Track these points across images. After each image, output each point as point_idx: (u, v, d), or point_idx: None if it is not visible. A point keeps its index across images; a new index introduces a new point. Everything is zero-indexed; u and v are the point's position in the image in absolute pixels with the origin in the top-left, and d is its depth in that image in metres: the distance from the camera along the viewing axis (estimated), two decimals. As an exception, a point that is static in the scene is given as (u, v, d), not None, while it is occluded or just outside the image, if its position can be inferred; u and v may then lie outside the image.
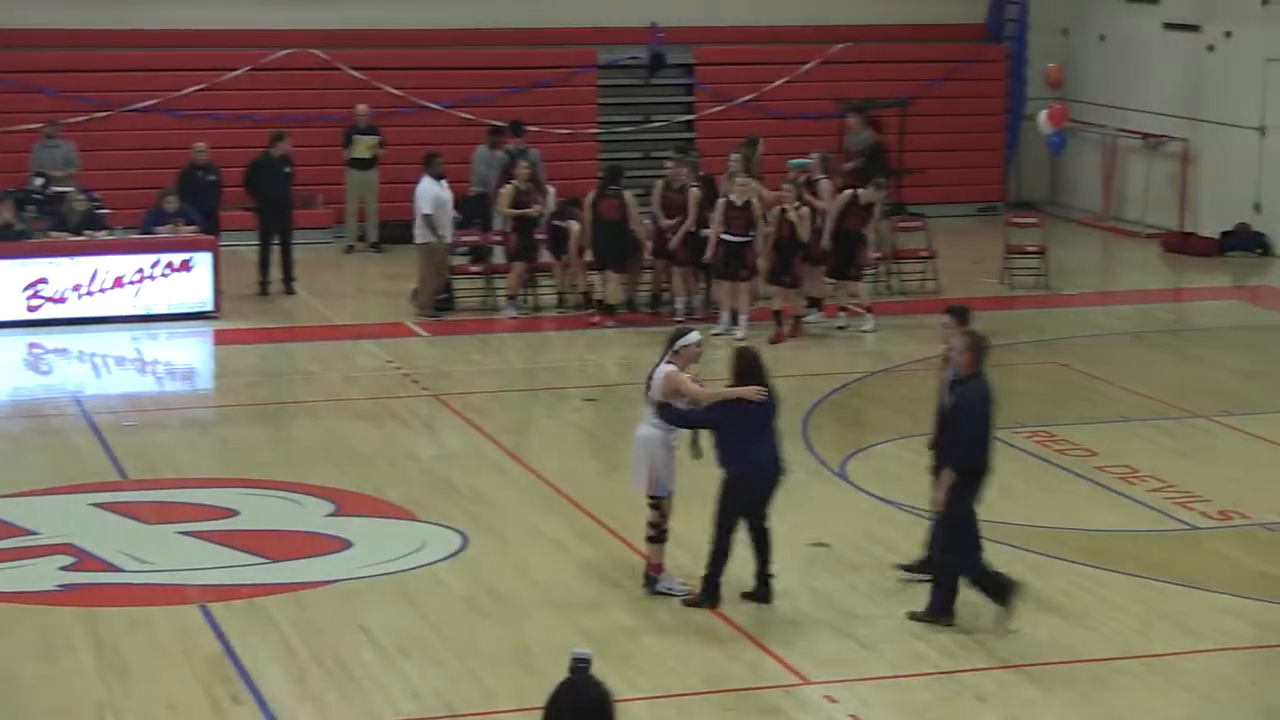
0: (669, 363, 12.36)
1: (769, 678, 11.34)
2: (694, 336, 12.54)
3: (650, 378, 12.42)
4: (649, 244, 20.90)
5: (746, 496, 12.23)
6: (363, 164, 24.78)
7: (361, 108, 24.93)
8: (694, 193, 20.58)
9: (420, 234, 20.96)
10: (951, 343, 12.40)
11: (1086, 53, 28.79)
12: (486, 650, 11.70)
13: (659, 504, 12.51)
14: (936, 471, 12.17)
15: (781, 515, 13.74)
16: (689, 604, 12.37)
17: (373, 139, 24.69)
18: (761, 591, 12.45)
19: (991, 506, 14.60)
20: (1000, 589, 11.96)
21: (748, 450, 12.10)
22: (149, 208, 21.78)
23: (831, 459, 15.82)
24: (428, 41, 26.63)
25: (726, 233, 20.02)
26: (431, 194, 20.83)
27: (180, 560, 13.35)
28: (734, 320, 20.21)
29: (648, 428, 12.39)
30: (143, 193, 23.18)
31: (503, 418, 17.57)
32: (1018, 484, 15.26)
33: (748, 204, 20.08)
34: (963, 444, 11.90)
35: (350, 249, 25.07)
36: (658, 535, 12.58)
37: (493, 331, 20.80)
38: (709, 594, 12.36)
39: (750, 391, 12.12)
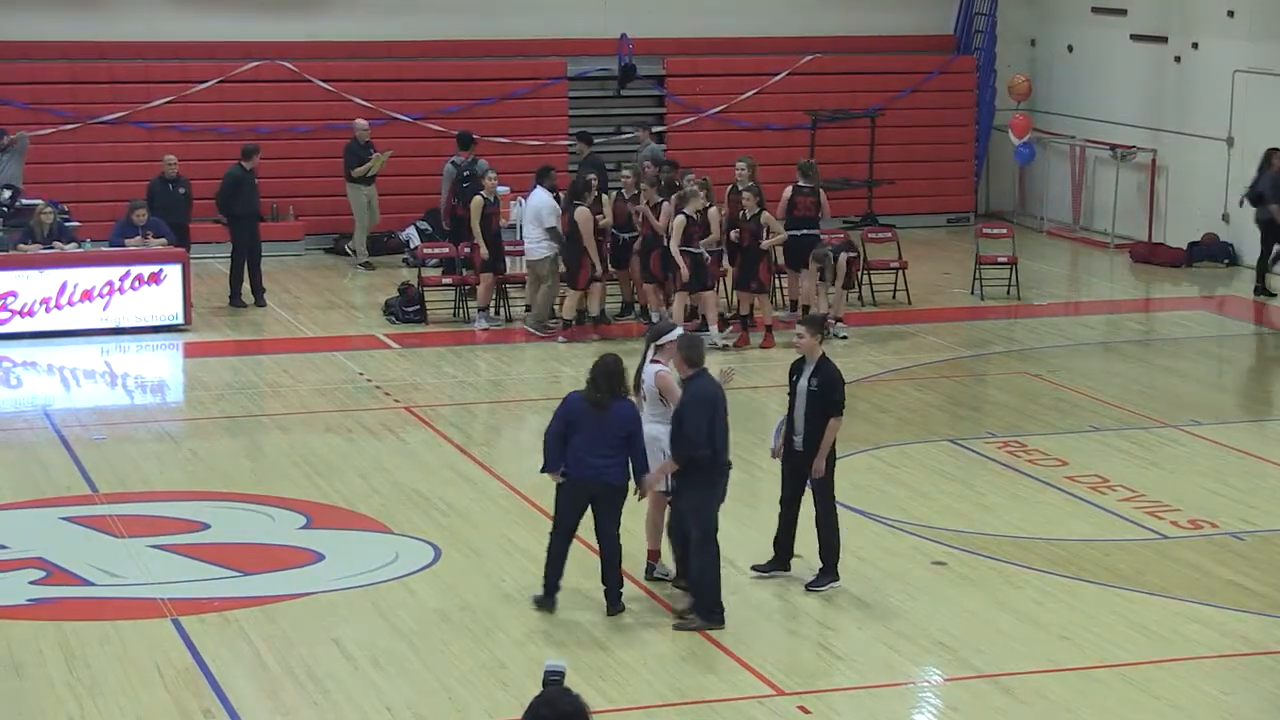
0: (655, 361, 12.51)
1: (742, 689, 11.34)
2: (676, 333, 12.63)
3: (639, 376, 12.56)
4: (596, 261, 20.84)
5: (571, 498, 12.23)
6: (368, 179, 24.63)
7: (360, 123, 24.81)
8: (665, 206, 20.59)
9: (541, 248, 20.57)
10: (801, 348, 12.92)
11: (1054, 64, 28.90)
12: (460, 663, 11.68)
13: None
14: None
15: (754, 526, 13.79)
16: (540, 604, 12.45)
17: (386, 154, 24.55)
18: (609, 604, 12.43)
19: (964, 516, 14.70)
20: (707, 603, 12.14)
21: (581, 457, 12.10)
22: (118, 220, 21.72)
23: (803, 470, 15.81)
24: (397, 53, 26.60)
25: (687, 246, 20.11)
26: (550, 206, 20.51)
27: (151, 574, 13.30)
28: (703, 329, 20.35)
29: (653, 425, 12.42)
30: (111, 205, 23.15)
31: (474, 429, 17.56)
32: (989, 494, 15.31)
33: (704, 215, 20.16)
34: (685, 437, 12.05)
35: (370, 265, 24.78)
36: None
37: (464, 343, 20.78)
38: (547, 595, 12.45)
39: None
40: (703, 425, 12.00)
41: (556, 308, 20.98)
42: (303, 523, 14.53)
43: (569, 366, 19.65)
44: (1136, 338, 22.03)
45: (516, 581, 13.12)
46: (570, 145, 26.61)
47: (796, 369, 12.93)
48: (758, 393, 18.48)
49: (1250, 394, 19.12)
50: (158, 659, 11.73)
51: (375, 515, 14.62)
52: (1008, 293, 23.34)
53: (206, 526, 14.39)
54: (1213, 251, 25.65)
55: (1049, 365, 19.96)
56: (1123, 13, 27.47)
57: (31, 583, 13.14)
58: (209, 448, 16.73)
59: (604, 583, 12.42)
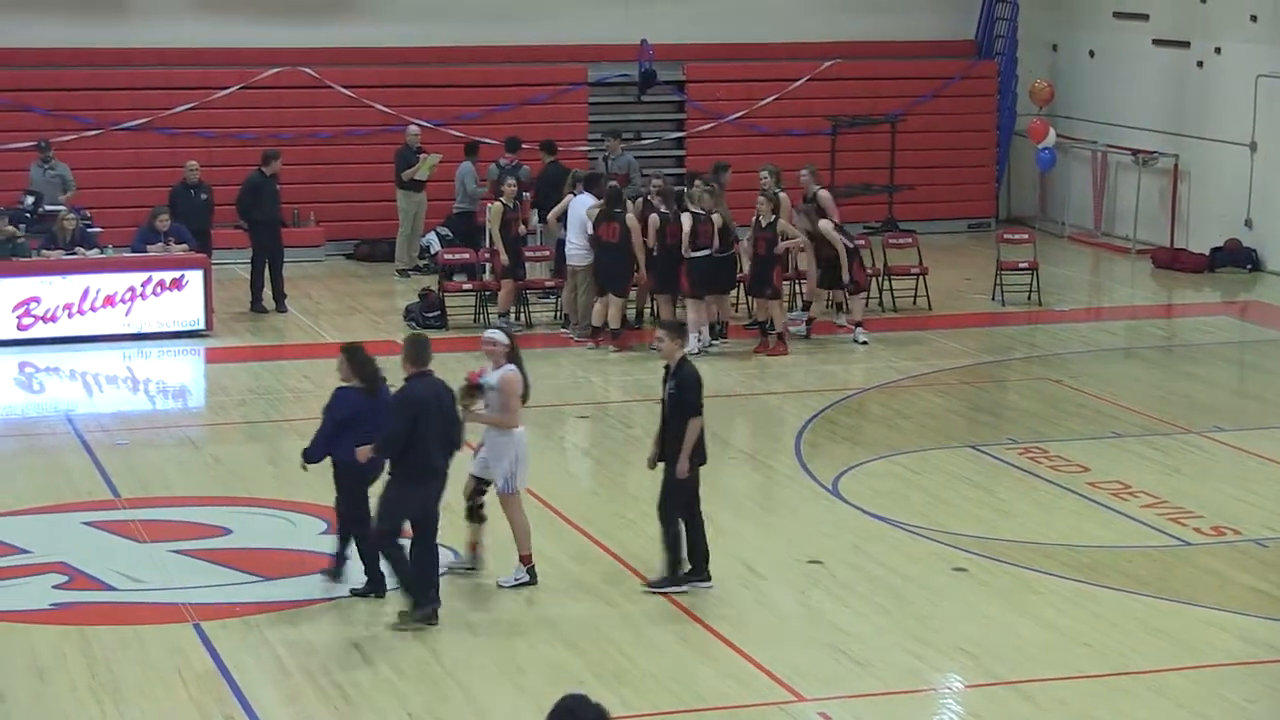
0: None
1: (763, 695, 11.33)
2: (490, 333, 13.22)
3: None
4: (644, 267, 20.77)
5: (357, 482, 12.65)
6: (418, 185, 24.63)
7: (412, 129, 24.84)
8: (653, 218, 20.60)
9: (584, 254, 20.52)
10: (661, 353, 13.01)
11: (1076, 69, 28.86)
12: (480, 669, 11.69)
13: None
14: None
15: (775, 532, 13.80)
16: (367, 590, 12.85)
17: (436, 157, 24.55)
18: (333, 572, 12.97)
19: (985, 523, 14.67)
20: (423, 591, 12.26)
21: (361, 442, 12.37)
22: (140, 226, 21.79)
23: (824, 476, 15.82)
24: (417, 59, 26.66)
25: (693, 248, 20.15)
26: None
27: (173, 579, 13.33)
28: (712, 334, 20.39)
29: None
30: (133, 211, 23.22)
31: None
32: (1010, 500, 15.29)
33: (708, 220, 20.17)
34: (382, 436, 12.20)
35: (406, 273, 24.79)
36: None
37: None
38: (339, 570, 12.93)
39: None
40: (401, 427, 12.08)
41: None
42: (324, 528, 14.51)
43: (591, 373, 19.66)
44: (1158, 343, 21.97)
45: (537, 587, 13.10)
46: (590, 151, 26.63)
47: (666, 375, 12.93)
48: (772, 397, 18.48)
49: (1273, 400, 19.05)
50: (179, 664, 11.75)
51: (396, 521, 14.61)
52: (1029, 298, 23.31)
53: (228, 531, 14.42)
54: (1235, 257, 25.58)
55: (1070, 371, 19.92)
56: (1144, 17, 27.42)
57: (54, 587, 13.17)
58: (230, 453, 16.76)
59: (347, 557, 12.89)
